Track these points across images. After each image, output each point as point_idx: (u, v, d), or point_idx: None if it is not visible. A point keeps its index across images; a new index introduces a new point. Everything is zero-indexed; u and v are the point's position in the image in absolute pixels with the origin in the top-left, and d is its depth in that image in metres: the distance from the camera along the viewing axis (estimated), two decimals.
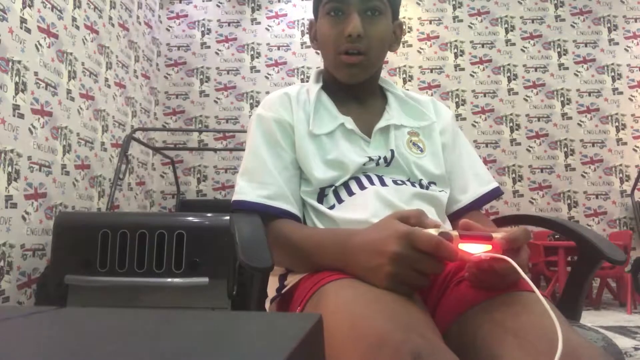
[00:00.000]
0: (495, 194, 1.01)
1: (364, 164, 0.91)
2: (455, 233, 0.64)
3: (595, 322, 3.54)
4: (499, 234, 0.64)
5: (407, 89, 0.95)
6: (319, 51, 1.03)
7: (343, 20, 0.93)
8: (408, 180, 0.93)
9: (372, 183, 0.89)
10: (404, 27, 1.06)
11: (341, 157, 0.90)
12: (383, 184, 0.89)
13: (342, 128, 0.94)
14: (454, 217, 0.98)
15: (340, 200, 0.89)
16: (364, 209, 0.84)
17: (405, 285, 0.66)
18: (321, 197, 0.90)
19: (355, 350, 0.55)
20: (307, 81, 1.10)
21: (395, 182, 0.90)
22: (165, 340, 0.33)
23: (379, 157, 0.92)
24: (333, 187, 0.90)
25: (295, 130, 0.93)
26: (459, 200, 0.99)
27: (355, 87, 1.00)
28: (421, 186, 0.93)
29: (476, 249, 0.64)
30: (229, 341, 0.32)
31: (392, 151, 0.94)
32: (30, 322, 0.39)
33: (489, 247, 0.64)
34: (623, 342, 2.87)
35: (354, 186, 0.89)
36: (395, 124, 0.98)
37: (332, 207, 0.88)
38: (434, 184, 0.96)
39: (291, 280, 0.86)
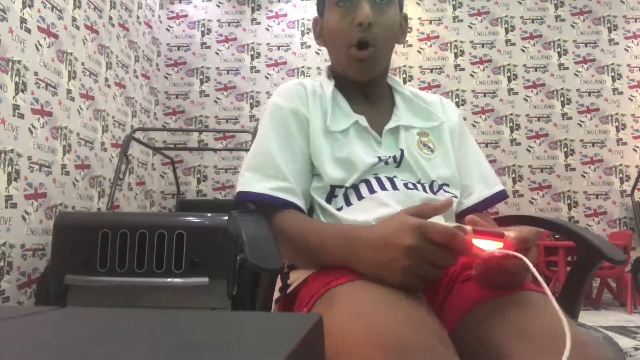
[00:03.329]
0: (500, 197, 0.99)
1: (374, 165, 0.89)
2: (469, 228, 0.63)
3: (595, 322, 3.54)
4: (510, 233, 0.64)
5: None
6: (324, 48, 1.01)
7: (352, 10, 0.90)
8: (419, 182, 0.91)
9: (383, 187, 0.87)
10: (408, 20, 1.04)
11: (352, 155, 0.89)
12: (394, 187, 0.87)
13: (356, 125, 0.93)
14: (457, 218, 0.96)
15: (349, 203, 0.87)
16: (371, 213, 0.83)
17: (419, 278, 0.65)
18: (330, 197, 0.89)
19: (374, 355, 0.54)
20: None
21: (406, 185, 0.88)
22: (165, 341, 0.33)
23: (389, 157, 0.91)
24: (344, 189, 0.88)
25: (310, 124, 0.91)
26: (462, 203, 0.97)
27: (365, 85, 0.98)
28: (432, 189, 0.91)
29: (488, 246, 0.63)
30: (229, 341, 0.32)
31: (401, 150, 0.92)
32: (30, 322, 0.39)
33: (500, 244, 0.63)
34: (623, 342, 2.87)
35: (364, 190, 0.88)
36: (404, 124, 0.96)
37: (340, 209, 0.87)
38: (447, 185, 0.94)
39: (294, 278, 0.85)
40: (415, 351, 0.53)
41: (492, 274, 0.67)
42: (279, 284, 0.89)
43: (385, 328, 0.57)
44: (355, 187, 0.88)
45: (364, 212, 0.84)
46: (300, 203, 0.87)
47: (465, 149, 1.02)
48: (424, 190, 0.90)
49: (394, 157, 0.91)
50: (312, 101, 0.94)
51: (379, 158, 0.90)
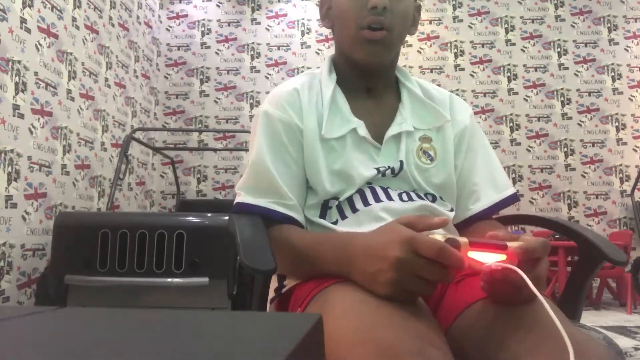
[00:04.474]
0: (511, 200, 0.94)
1: (371, 177, 0.86)
2: (464, 240, 0.60)
3: (595, 322, 3.54)
4: (515, 243, 0.60)
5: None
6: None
7: None
8: (414, 191, 0.88)
9: (377, 199, 0.85)
10: (421, 10, 0.98)
11: (349, 168, 0.85)
12: (389, 198, 0.85)
13: (354, 134, 0.88)
14: (465, 225, 0.93)
15: (343, 216, 0.85)
16: (365, 227, 0.80)
17: (407, 292, 0.62)
18: (324, 211, 0.87)
19: (363, 357, 0.54)
20: None
21: (400, 195, 0.86)
22: (165, 341, 0.33)
23: (387, 168, 0.87)
24: (337, 202, 0.86)
25: (304, 134, 0.87)
26: (470, 208, 0.93)
27: (369, 76, 0.93)
28: (427, 199, 0.89)
29: (488, 258, 0.60)
30: (229, 341, 0.32)
31: (401, 162, 0.88)
32: (30, 322, 0.39)
33: (503, 256, 0.59)
34: (623, 342, 2.87)
35: (358, 202, 0.85)
36: (407, 130, 0.91)
37: (335, 223, 0.85)
38: (441, 198, 0.91)
39: (291, 279, 0.85)
40: (405, 354, 0.53)
41: (498, 287, 0.63)
42: (275, 284, 0.89)
43: (376, 330, 0.56)
44: (349, 198, 0.86)
45: (358, 226, 0.82)
46: (297, 216, 0.84)
47: (474, 152, 0.96)
48: (420, 198, 0.88)
49: (392, 169, 0.87)
50: (307, 108, 0.89)
51: (377, 170, 0.87)
